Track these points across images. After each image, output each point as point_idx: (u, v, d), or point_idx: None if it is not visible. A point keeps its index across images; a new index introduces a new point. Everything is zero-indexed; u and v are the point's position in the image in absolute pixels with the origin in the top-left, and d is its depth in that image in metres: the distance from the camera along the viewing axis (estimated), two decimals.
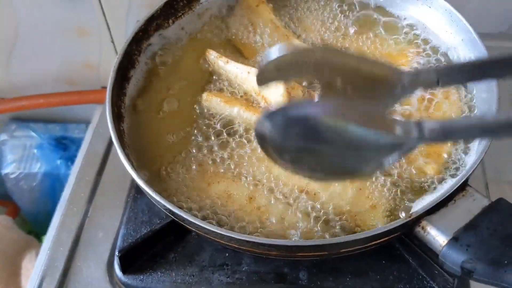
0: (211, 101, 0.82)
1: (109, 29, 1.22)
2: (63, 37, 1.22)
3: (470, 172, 0.66)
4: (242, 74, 0.82)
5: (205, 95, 0.83)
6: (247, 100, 0.82)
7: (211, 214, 0.72)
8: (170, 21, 0.90)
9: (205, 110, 0.82)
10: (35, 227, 1.47)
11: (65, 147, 1.44)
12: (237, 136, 0.79)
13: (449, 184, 0.69)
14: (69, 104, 1.35)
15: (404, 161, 0.74)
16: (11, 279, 1.16)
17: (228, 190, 0.74)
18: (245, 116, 0.79)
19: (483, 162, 0.92)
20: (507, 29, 1.14)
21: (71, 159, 1.39)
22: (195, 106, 0.83)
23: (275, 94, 0.78)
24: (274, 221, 0.71)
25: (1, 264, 1.16)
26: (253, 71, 0.80)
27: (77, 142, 1.40)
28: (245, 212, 0.72)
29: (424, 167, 0.74)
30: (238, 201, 0.73)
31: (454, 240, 0.61)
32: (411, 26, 0.91)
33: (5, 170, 1.40)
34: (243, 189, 0.74)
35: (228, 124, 0.81)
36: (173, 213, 0.67)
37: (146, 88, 0.86)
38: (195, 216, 0.68)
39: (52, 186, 1.44)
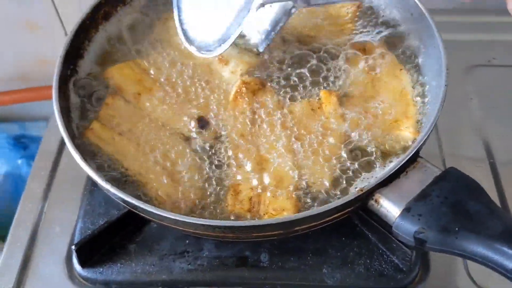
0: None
1: (61, 21, 1.18)
2: (13, 32, 1.19)
3: (420, 143, 0.66)
4: None
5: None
6: None
7: None
8: (118, 8, 0.88)
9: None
10: None
11: (25, 146, 1.40)
12: None
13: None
14: (25, 101, 1.31)
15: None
16: None
17: None
18: None
19: (440, 139, 0.93)
20: (460, 4, 1.14)
21: (32, 158, 1.34)
22: None
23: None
24: None
25: None
26: None
27: (37, 141, 1.35)
28: None
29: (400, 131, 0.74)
30: None
31: (406, 210, 0.62)
32: None
33: None
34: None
35: None
36: (126, 202, 0.66)
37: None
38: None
39: (15, 187, 1.39)
